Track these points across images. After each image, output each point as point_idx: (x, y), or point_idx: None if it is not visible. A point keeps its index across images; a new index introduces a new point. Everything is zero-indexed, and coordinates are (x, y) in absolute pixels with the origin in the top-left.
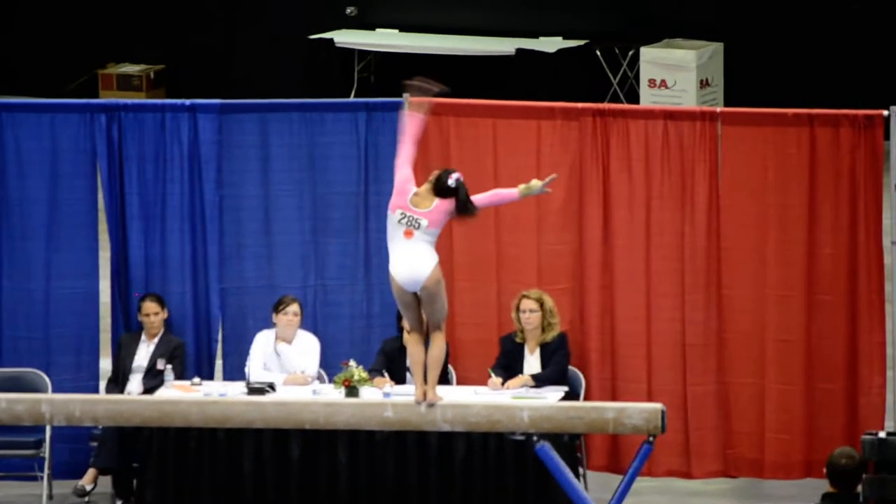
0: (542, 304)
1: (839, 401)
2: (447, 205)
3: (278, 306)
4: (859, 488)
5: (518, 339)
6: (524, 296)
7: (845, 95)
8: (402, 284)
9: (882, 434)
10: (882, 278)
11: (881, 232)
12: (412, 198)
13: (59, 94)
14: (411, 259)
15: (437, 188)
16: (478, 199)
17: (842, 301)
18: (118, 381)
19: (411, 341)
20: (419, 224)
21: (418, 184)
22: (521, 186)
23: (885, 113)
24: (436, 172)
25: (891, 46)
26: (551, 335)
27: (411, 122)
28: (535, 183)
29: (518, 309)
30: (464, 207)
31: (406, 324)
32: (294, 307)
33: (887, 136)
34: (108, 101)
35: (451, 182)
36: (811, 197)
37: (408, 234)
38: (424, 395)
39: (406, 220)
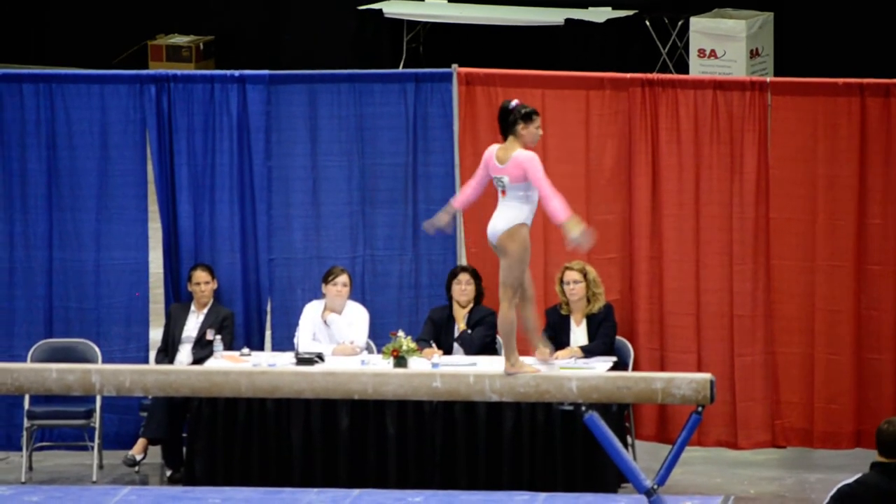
0: (585, 274)
1: (888, 371)
2: (523, 154)
3: (328, 277)
4: None
5: (563, 312)
6: (567, 267)
7: (895, 65)
8: (489, 240)
9: None
10: None
11: None
12: (497, 153)
13: (109, 65)
14: (495, 216)
15: (501, 118)
16: (542, 190)
17: (890, 271)
18: (168, 352)
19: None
20: (503, 182)
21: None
22: (570, 221)
23: None
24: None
25: None
26: (597, 306)
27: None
28: (576, 229)
29: (562, 281)
30: (504, 118)
31: None
32: (343, 278)
33: None
34: (158, 72)
35: (511, 105)
36: (861, 167)
37: (502, 193)
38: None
39: (496, 181)
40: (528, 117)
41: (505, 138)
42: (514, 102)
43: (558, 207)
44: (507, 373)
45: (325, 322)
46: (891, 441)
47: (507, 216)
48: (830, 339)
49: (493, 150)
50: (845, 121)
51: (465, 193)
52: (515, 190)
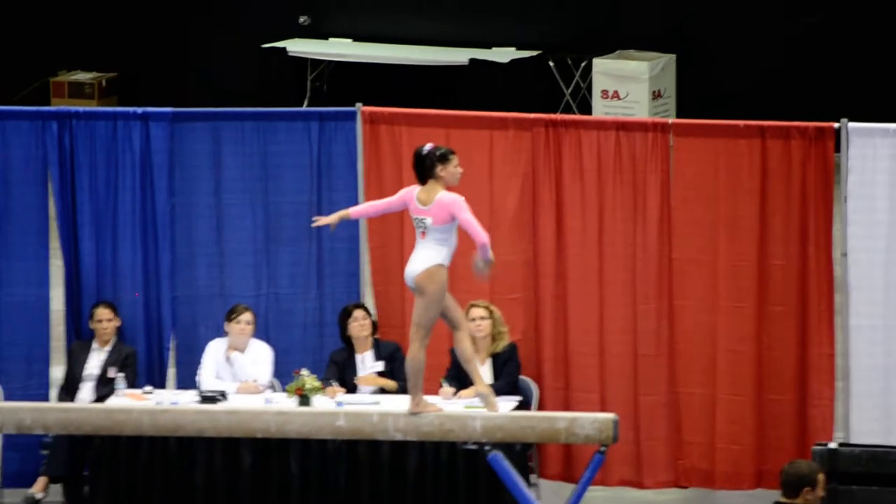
0: (491, 312)
1: (789, 411)
2: (447, 197)
3: (231, 315)
4: None
5: None
6: (472, 305)
7: (796, 108)
8: (406, 281)
9: (833, 445)
10: (832, 290)
11: (831, 243)
12: (419, 195)
13: (10, 101)
14: (413, 257)
15: (417, 165)
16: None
17: (792, 312)
18: (69, 390)
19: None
20: (425, 224)
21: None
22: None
23: (836, 125)
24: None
25: (841, 59)
26: (501, 345)
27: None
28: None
29: (467, 318)
30: (420, 164)
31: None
32: (247, 316)
33: (837, 149)
34: (60, 109)
35: (425, 151)
36: (762, 208)
37: (422, 235)
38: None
39: (416, 222)
40: (444, 158)
41: (423, 183)
42: (428, 147)
43: (487, 245)
44: (411, 412)
45: (228, 360)
46: (793, 481)
47: (425, 257)
48: (732, 380)
49: (414, 191)
50: (747, 162)
51: (366, 206)
52: (436, 232)
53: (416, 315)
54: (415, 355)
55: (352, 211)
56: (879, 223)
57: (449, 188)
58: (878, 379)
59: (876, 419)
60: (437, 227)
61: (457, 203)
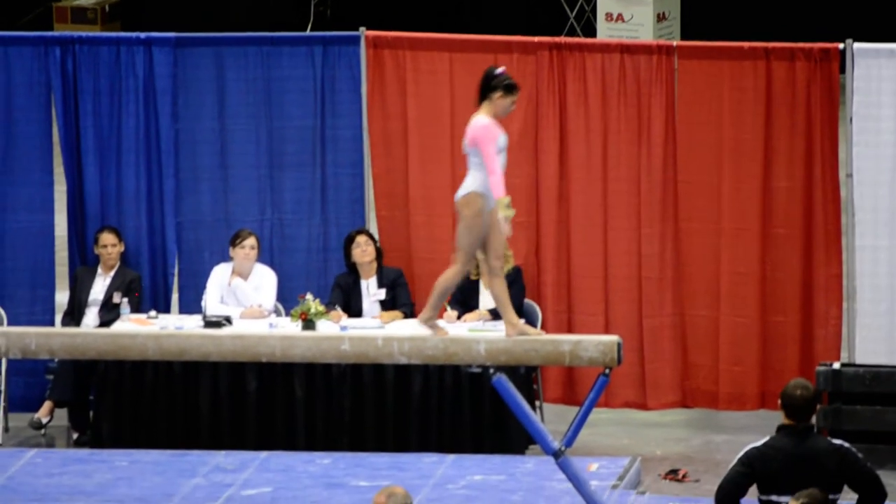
0: None
1: (794, 333)
2: (479, 121)
3: (235, 240)
4: (814, 419)
5: (472, 276)
6: None
7: (801, 29)
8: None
9: (836, 365)
10: (838, 211)
11: (836, 165)
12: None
13: (13, 26)
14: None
15: (483, 82)
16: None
17: (797, 234)
18: (74, 315)
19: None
20: (464, 144)
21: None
22: (500, 201)
23: (841, 46)
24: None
25: None
26: (507, 267)
27: None
28: (503, 212)
29: None
30: (486, 82)
31: None
32: (251, 241)
33: (842, 70)
34: (63, 34)
35: (497, 72)
36: (767, 130)
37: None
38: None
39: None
40: (509, 89)
41: (480, 103)
42: (501, 69)
43: (495, 183)
44: (420, 322)
45: (230, 286)
46: (803, 405)
47: (465, 182)
48: (736, 302)
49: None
50: (751, 84)
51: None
52: (471, 155)
53: (457, 238)
54: (447, 275)
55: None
56: (885, 144)
57: (497, 119)
58: (882, 300)
59: (880, 339)
60: (470, 150)
61: (483, 129)
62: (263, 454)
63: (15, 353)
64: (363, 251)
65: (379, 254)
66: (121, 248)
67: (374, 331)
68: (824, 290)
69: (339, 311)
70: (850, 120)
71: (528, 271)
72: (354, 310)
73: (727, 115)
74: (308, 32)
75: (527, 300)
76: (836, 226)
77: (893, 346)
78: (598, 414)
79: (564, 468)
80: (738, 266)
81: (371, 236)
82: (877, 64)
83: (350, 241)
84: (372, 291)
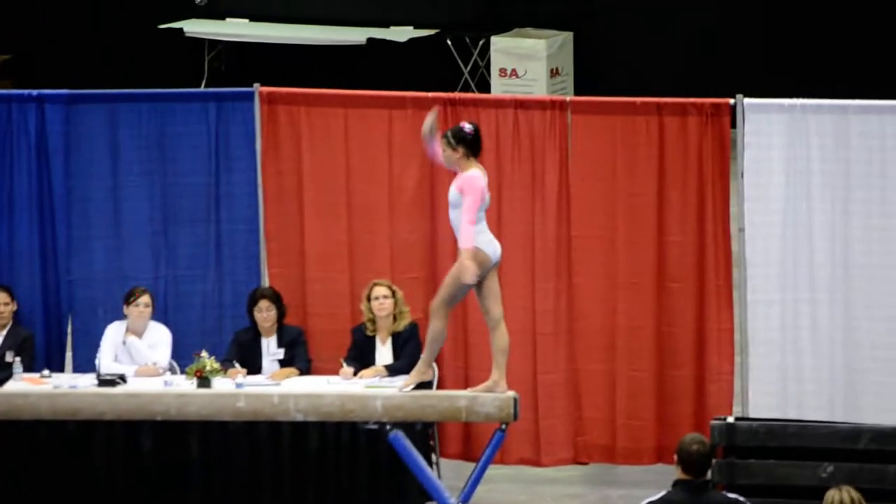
0: (393, 291)
1: (688, 387)
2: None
3: (129, 298)
4: (709, 473)
5: (369, 332)
6: (375, 283)
7: (692, 85)
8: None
9: (730, 419)
10: (729, 265)
11: (728, 219)
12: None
13: None
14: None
15: (478, 139)
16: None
17: (690, 288)
18: None
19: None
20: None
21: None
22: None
23: (731, 101)
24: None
25: (737, 35)
26: (403, 324)
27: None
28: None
29: (369, 297)
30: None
31: None
32: (145, 298)
33: (734, 125)
34: None
35: (473, 127)
36: (660, 185)
37: None
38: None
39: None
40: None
41: (477, 157)
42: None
43: (466, 233)
44: (412, 381)
45: (125, 344)
46: (699, 460)
47: (468, 235)
48: (632, 356)
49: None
50: (644, 139)
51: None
52: (457, 206)
53: (447, 288)
54: (438, 328)
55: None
56: (775, 198)
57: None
58: (774, 353)
59: (773, 393)
60: (455, 199)
61: (465, 180)
62: None
63: None
64: (264, 317)
65: (281, 315)
66: (13, 306)
67: (271, 388)
68: (716, 345)
69: (237, 367)
70: (742, 174)
71: (426, 326)
72: (253, 367)
73: (620, 169)
74: (202, 89)
75: None
76: (728, 280)
77: (786, 400)
78: (494, 470)
79: None
80: (633, 320)
81: (275, 299)
82: (767, 119)
83: (254, 301)
84: (272, 350)
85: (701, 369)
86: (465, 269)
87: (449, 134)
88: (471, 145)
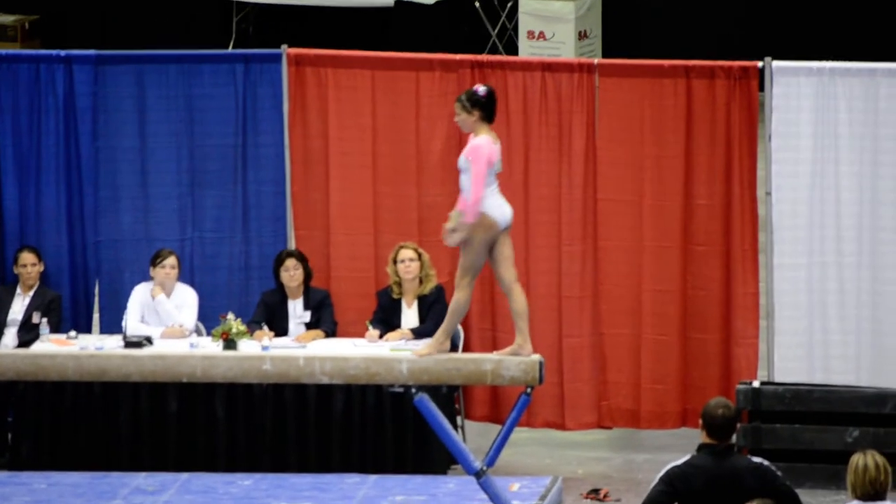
0: (419, 254)
1: (714, 351)
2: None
3: (155, 259)
4: (734, 438)
5: (395, 295)
6: (402, 246)
7: (721, 47)
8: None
9: (756, 384)
10: (756, 229)
11: (755, 183)
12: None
13: None
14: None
15: (493, 101)
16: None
17: (716, 251)
18: None
19: None
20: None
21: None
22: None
23: (760, 64)
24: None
25: None
26: (429, 287)
27: None
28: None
29: (395, 260)
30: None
31: None
32: (171, 260)
33: (762, 88)
34: None
35: (487, 90)
36: (687, 148)
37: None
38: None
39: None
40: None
41: (492, 122)
42: (475, 87)
43: (471, 210)
44: (431, 348)
45: (153, 299)
46: (724, 424)
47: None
48: (657, 320)
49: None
50: (671, 102)
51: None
52: (464, 172)
53: (465, 260)
54: (461, 300)
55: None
56: (803, 161)
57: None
58: (800, 318)
59: (799, 357)
60: (464, 166)
61: (472, 148)
62: (184, 475)
63: None
64: (291, 276)
65: (308, 276)
66: (40, 267)
67: (296, 350)
68: (742, 309)
69: (265, 329)
70: (769, 138)
71: (450, 289)
72: (279, 329)
73: (647, 132)
74: (230, 50)
75: None
76: (754, 244)
77: (812, 364)
78: (519, 433)
79: (486, 488)
80: (659, 284)
81: (301, 259)
82: (796, 82)
83: (280, 262)
84: (298, 313)
85: (727, 333)
86: (444, 231)
87: (463, 97)
88: (485, 108)
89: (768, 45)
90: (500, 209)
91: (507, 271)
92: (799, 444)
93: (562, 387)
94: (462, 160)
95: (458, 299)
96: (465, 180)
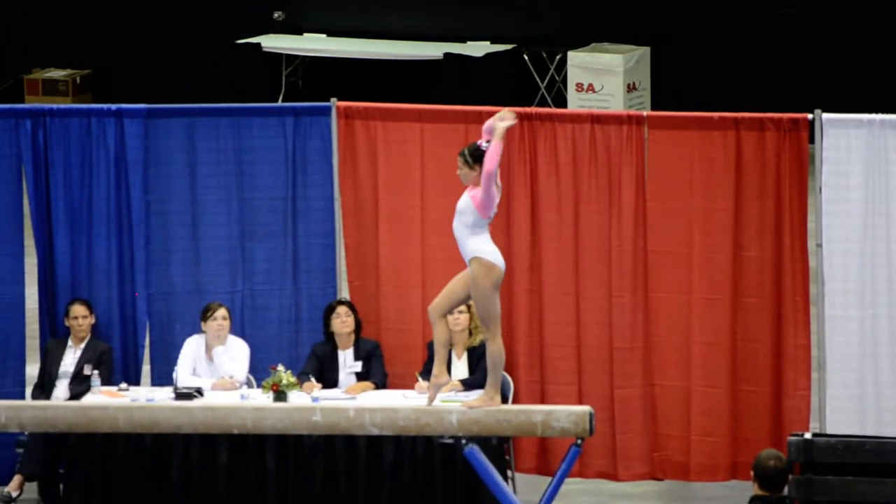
0: (468, 306)
1: (764, 403)
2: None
3: (206, 313)
4: (786, 490)
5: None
6: None
7: (770, 99)
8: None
9: (808, 435)
10: (807, 281)
11: (806, 234)
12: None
13: None
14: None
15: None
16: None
17: (767, 303)
18: (45, 387)
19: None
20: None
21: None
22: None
23: (810, 116)
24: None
25: (814, 50)
26: (479, 339)
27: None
28: (500, 123)
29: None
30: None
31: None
32: (222, 311)
33: (811, 140)
34: (34, 106)
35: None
36: (737, 200)
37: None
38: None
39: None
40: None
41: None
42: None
43: (493, 153)
44: (480, 403)
45: (208, 356)
46: (776, 476)
47: (479, 247)
48: (707, 372)
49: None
50: (721, 154)
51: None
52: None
53: (480, 309)
54: (497, 349)
55: None
56: (853, 214)
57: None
58: (852, 369)
59: (850, 409)
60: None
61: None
62: None
63: None
64: (343, 322)
65: (358, 326)
66: (91, 319)
67: (346, 402)
68: (793, 361)
69: (312, 381)
70: (820, 190)
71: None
72: (329, 380)
73: (697, 184)
74: (280, 103)
75: None
76: (805, 296)
77: (864, 417)
78: (570, 484)
79: None
80: (708, 336)
81: (352, 307)
82: (846, 134)
83: (331, 310)
84: (348, 363)
85: (778, 385)
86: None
87: (466, 151)
88: None
89: (818, 98)
90: (497, 254)
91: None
92: (851, 496)
93: (613, 437)
94: (464, 201)
95: (492, 351)
96: (458, 224)
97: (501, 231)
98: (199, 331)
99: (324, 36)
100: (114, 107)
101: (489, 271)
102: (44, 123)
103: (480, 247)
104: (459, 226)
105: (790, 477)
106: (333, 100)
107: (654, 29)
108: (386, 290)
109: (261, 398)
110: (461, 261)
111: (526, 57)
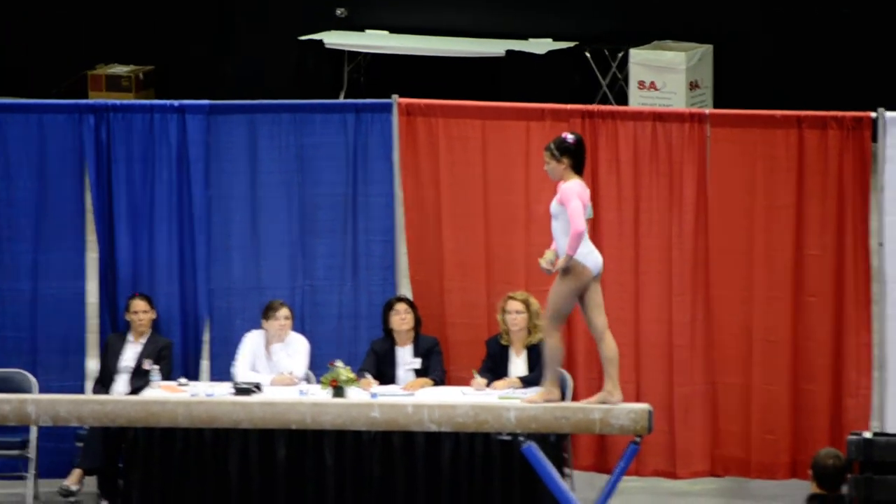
0: (528, 305)
1: (824, 401)
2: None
3: (268, 312)
4: (844, 489)
5: (503, 342)
6: (510, 297)
7: (833, 97)
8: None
9: (868, 434)
10: (868, 280)
11: (868, 233)
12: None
13: (48, 95)
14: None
15: (582, 150)
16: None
17: (828, 302)
18: (105, 382)
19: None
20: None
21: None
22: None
23: (873, 115)
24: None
25: (878, 48)
26: (537, 337)
27: None
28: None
29: (504, 310)
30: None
31: None
32: (284, 311)
33: (874, 138)
34: (97, 102)
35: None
36: (799, 198)
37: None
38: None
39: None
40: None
41: (581, 173)
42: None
43: (572, 243)
44: (544, 398)
45: (268, 352)
46: (834, 474)
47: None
48: (767, 370)
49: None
50: (783, 153)
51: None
52: (559, 218)
53: (555, 304)
54: (555, 345)
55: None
56: None
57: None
58: None
59: None
60: (558, 211)
61: (562, 191)
62: None
63: (45, 420)
64: (402, 319)
65: (417, 322)
66: (152, 314)
67: (404, 398)
68: (854, 359)
69: (369, 378)
70: (882, 188)
71: (561, 338)
72: (388, 377)
73: (759, 182)
74: (341, 100)
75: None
76: (867, 294)
77: None
78: (627, 482)
79: None
80: (769, 334)
81: (411, 304)
82: None
83: (389, 307)
84: (407, 360)
85: (838, 384)
86: (541, 264)
87: (552, 145)
88: (574, 156)
89: (881, 96)
90: (591, 256)
91: (599, 317)
92: None
93: (672, 435)
94: (554, 205)
95: (551, 346)
96: (556, 227)
97: None
98: (259, 326)
99: (386, 33)
100: (176, 103)
101: (579, 275)
102: (107, 119)
103: (579, 249)
104: (556, 227)
105: (848, 476)
106: (395, 96)
107: (716, 27)
108: (449, 285)
109: (319, 394)
110: (523, 257)
111: (588, 54)
